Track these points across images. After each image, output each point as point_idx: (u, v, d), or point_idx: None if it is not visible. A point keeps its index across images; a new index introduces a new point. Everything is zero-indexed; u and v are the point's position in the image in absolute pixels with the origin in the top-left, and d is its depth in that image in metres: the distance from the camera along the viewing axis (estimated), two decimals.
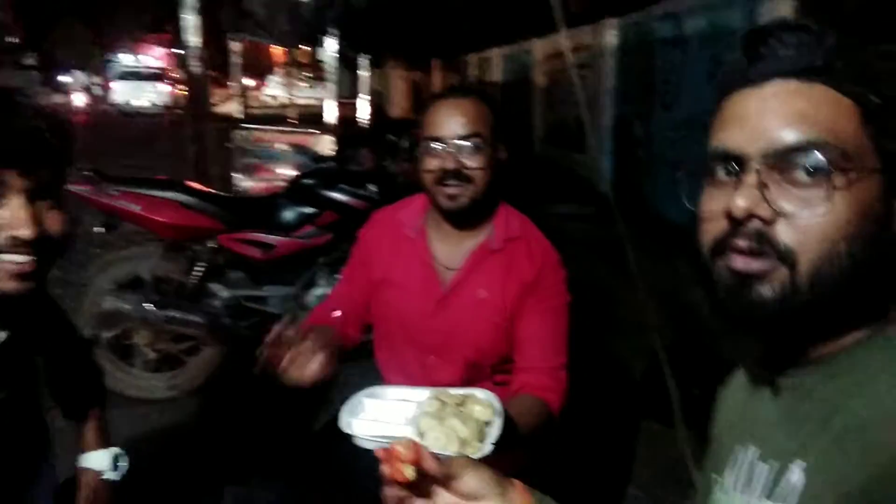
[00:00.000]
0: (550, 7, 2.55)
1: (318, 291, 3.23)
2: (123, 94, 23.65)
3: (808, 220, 0.64)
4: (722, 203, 0.69)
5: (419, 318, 1.59)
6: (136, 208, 2.97)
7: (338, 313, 1.60)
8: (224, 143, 5.38)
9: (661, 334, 3.16)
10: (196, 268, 3.12)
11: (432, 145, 1.49)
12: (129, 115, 21.35)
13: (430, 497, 0.74)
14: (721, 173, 0.70)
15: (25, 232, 0.96)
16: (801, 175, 0.65)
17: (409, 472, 0.71)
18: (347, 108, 8.61)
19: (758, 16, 5.17)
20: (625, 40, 7.95)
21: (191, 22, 4.92)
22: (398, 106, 20.66)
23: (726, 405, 0.89)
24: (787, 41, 0.68)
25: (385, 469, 0.72)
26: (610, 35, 8.12)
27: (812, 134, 0.65)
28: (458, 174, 1.48)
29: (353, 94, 10.52)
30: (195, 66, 4.86)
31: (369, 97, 7.76)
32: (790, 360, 0.73)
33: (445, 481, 0.74)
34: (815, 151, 0.64)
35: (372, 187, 3.18)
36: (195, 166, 5.08)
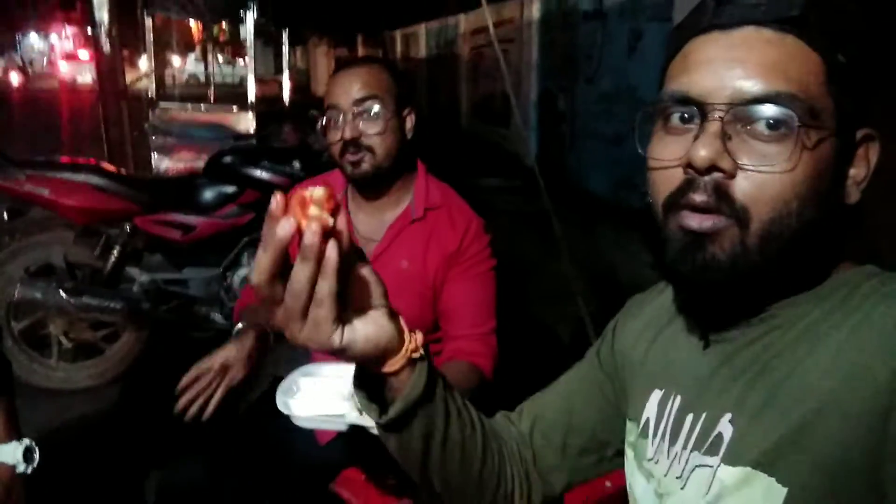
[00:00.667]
0: None
1: (243, 272, 3.17)
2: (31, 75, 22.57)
3: (766, 176, 0.62)
4: (677, 151, 0.65)
5: None
6: (45, 192, 2.83)
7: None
8: (140, 123, 5.19)
9: (586, 300, 3.25)
10: (112, 252, 3.01)
11: (330, 114, 1.49)
12: (37, 95, 20.38)
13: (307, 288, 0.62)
14: (676, 119, 0.67)
15: None
16: (764, 128, 0.62)
17: (316, 213, 0.60)
18: (268, 85, 8.43)
19: None
20: (547, 15, 8.01)
21: None
22: (321, 83, 20.31)
23: (631, 340, 0.87)
24: None
25: (278, 207, 0.61)
26: (533, 9, 8.17)
27: (782, 86, 0.61)
28: (356, 143, 1.47)
29: (275, 72, 10.30)
30: (106, 43, 4.65)
31: (291, 75, 7.59)
32: (731, 317, 0.71)
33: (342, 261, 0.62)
34: (784, 104, 0.61)
35: (296, 164, 3.13)
36: (109, 147, 4.88)
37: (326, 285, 0.62)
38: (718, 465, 0.66)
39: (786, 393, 0.62)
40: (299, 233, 0.60)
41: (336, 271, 0.62)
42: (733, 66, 0.63)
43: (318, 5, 15.05)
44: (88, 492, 1.29)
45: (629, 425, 0.84)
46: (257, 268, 0.62)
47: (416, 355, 0.72)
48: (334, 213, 0.62)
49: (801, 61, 0.63)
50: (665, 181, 0.67)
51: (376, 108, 1.47)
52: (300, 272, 0.61)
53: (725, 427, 0.66)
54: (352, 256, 0.66)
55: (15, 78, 24.68)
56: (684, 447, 0.72)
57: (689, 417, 0.72)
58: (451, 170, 1.65)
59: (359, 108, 1.46)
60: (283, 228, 0.60)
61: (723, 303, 0.71)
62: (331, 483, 1.54)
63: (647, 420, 0.79)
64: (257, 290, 0.63)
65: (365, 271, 0.69)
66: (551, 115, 7.89)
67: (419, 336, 0.73)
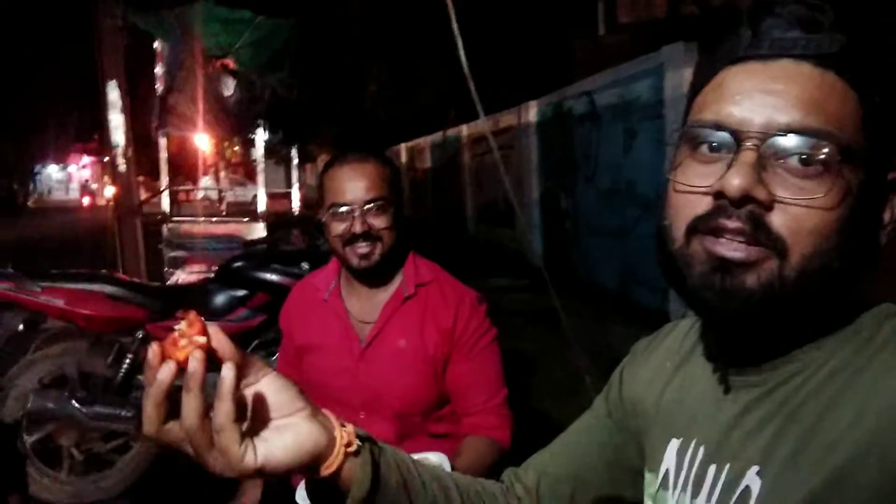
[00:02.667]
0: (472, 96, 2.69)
1: None
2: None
3: (805, 210, 0.59)
4: (707, 179, 0.62)
5: (343, 377, 1.59)
6: (59, 302, 2.90)
7: None
8: (155, 239, 5.34)
9: (597, 390, 3.22)
10: (124, 361, 3.04)
11: (335, 209, 1.53)
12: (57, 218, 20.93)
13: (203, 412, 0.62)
14: (706, 148, 0.64)
15: None
16: (799, 163, 0.60)
17: (188, 350, 0.60)
18: (279, 200, 8.70)
19: (658, 85, 5.51)
20: (545, 120, 8.33)
21: (117, 122, 4.96)
22: None
23: (641, 387, 0.84)
24: (801, 18, 0.62)
25: (154, 356, 0.62)
26: (529, 115, 8.50)
27: (820, 122, 0.60)
28: (367, 235, 1.52)
29: (284, 187, 10.63)
30: (122, 164, 4.87)
31: (301, 188, 7.86)
32: (753, 359, 0.67)
33: (239, 378, 0.63)
34: (822, 140, 0.59)
35: (304, 265, 3.19)
36: (124, 263, 5.00)
37: (221, 408, 0.61)
38: None
39: (816, 443, 0.58)
40: (181, 370, 0.61)
41: (201, 387, 0.61)
42: (771, 98, 0.61)
43: (326, 125, 15.70)
44: None
45: (648, 477, 0.80)
46: (146, 420, 0.62)
47: (351, 449, 0.68)
48: (205, 333, 0.62)
49: (840, 99, 0.61)
50: (691, 204, 0.64)
51: (383, 203, 1.53)
52: (188, 405, 0.61)
53: (753, 480, 0.62)
54: (245, 369, 0.65)
55: (32, 203, 25.53)
56: (707, 500, 0.67)
57: (713, 469, 0.67)
58: (459, 272, 1.71)
59: (369, 206, 1.52)
60: (163, 373, 0.61)
61: (745, 342, 0.67)
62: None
63: (667, 471, 0.75)
64: (155, 440, 0.63)
65: (268, 379, 0.67)
66: (554, 214, 8.05)
67: (350, 429, 0.69)
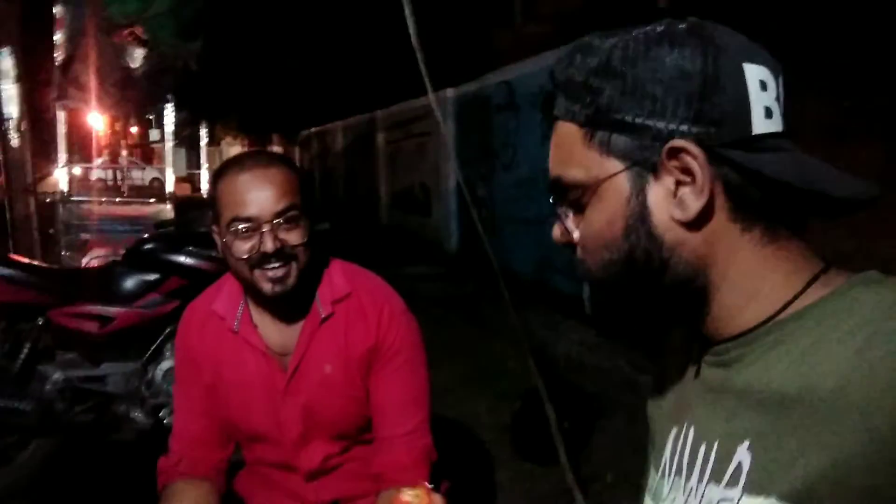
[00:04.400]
0: (390, 80, 2.62)
1: (166, 365, 3.00)
2: None
3: (582, 239, 0.72)
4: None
5: (270, 415, 1.43)
6: None
7: (182, 462, 1.45)
8: (50, 222, 4.98)
9: (519, 378, 3.22)
10: (22, 349, 2.81)
11: (237, 226, 1.28)
12: None
13: None
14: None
15: None
16: (569, 207, 0.72)
17: None
18: (185, 182, 8.36)
19: None
20: (463, 108, 8.31)
21: (11, 92, 4.58)
22: None
23: (658, 386, 0.85)
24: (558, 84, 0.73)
25: None
26: (447, 103, 8.47)
27: (554, 173, 0.72)
28: (280, 253, 1.29)
29: (190, 170, 10.24)
30: (14, 137, 4.50)
31: (208, 171, 7.54)
32: (708, 338, 0.71)
33: None
34: (557, 190, 0.72)
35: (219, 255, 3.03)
36: (15, 246, 4.64)
37: None
38: (741, 497, 0.62)
39: (803, 418, 0.59)
40: None
41: None
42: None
43: (235, 105, 15.17)
44: None
45: (651, 474, 0.81)
46: None
47: None
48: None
49: (564, 138, 0.71)
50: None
51: (296, 215, 1.32)
52: None
53: (744, 455, 0.63)
54: None
55: None
56: (699, 480, 0.68)
57: (703, 447, 0.69)
58: (373, 260, 1.57)
59: (279, 219, 1.29)
60: None
61: (696, 319, 0.71)
62: None
63: (664, 460, 0.76)
64: None
65: None
66: (471, 202, 8.07)
67: None
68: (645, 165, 0.66)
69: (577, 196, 0.70)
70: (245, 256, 1.28)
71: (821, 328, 0.61)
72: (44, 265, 3.11)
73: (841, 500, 0.55)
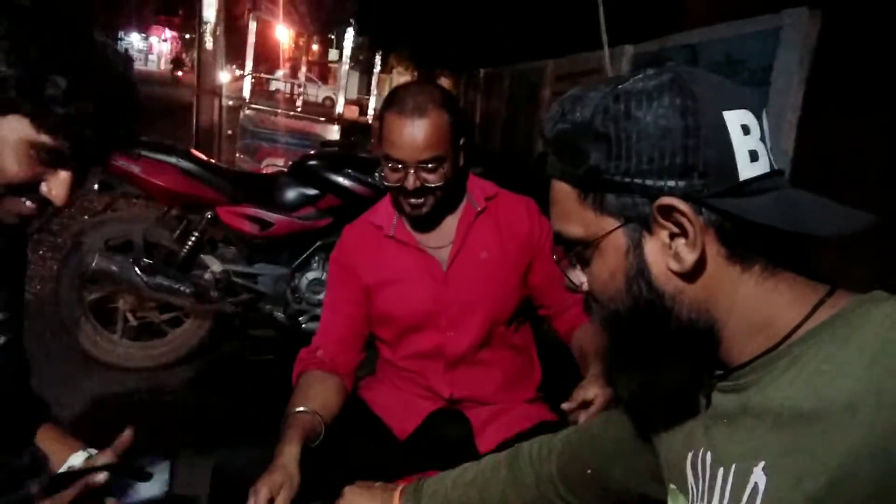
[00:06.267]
0: (566, 29, 2.54)
1: (312, 275, 3.17)
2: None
3: (592, 289, 0.75)
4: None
5: (427, 303, 1.57)
6: (135, 169, 2.90)
7: (321, 352, 1.58)
8: (230, 124, 5.33)
9: None
10: (190, 238, 3.06)
11: (391, 163, 1.47)
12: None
13: None
14: None
15: (60, 204, 0.94)
16: (574, 261, 0.76)
17: None
18: (355, 105, 8.63)
19: (771, 49, 5.18)
20: (641, 67, 7.98)
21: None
22: None
23: (661, 409, 0.86)
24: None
25: None
26: (624, 62, 8.14)
27: (558, 227, 0.75)
28: (420, 190, 1.48)
29: (361, 94, 10.55)
30: (209, 41, 4.81)
31: (378, 97, 7.74)
32: (723, 366, 0.72)
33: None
34: (564, 245, 0.75)
35: (378, 175, 3.13)
36: (198, 142, 5.02)
37: None
38: None
39: (814, 436, 0.60)
40: None
41: None
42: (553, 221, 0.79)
43: (410, 37, 15.40)
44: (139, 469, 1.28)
45: (671, 489, 0.83)
46: None
47: None
48: None
49: (563, 199, 0.74)
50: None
51: (441, 161, 1.47)
52: None
53: (759, 477, 0.64)
54: None
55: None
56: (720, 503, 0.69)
57: (721, 472, 0.70)
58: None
59: (423, 164, 1.46)
60: None
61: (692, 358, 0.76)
62: None
63: (690, 486, 0.77)
64: None
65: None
66: None
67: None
68: (639, 221, 0.68)
69: (581, 250, 0.73)
70: (392, 185, 1.49)
71: (830, 347, 0.62)
72: (220, 164, 3.34)
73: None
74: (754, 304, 0.68)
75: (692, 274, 0.67)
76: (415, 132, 1.43)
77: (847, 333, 0.62)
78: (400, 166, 1.46)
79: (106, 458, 1.15)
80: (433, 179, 1.47)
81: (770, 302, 0.67)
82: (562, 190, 0.73)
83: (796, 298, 0.67)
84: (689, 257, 0.66)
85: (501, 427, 1.58)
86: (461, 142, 1.53)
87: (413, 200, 1.49)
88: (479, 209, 1.59)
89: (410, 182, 1.46)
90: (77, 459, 1.19)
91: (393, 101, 1.48)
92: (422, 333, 1.60)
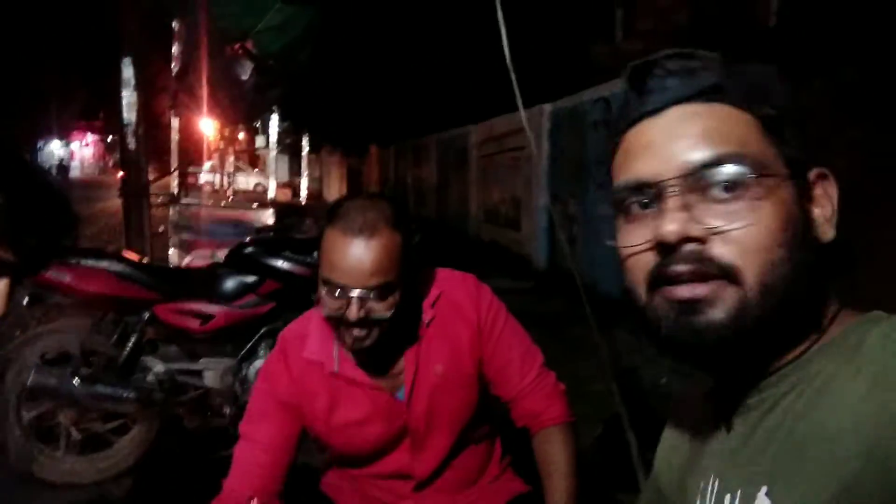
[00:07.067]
0: (485, 96, 2.66)
1: (258, 363, 3.12)
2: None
3: (740, 232, 0.62)
4: (646, 235, 0.66)
5: (393, 434, 1.48)
6: (66, 278, 2.84)
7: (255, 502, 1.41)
8: (159, 221, 5.28)
9: (607, 399, 3.16)
10: (129, 341, 2.99)
11: (331, 288, 1.29)
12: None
13: None
14: (635, 208, 0.68)
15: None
16: (720, 190, 0.64)
17: None
18: (286, 188, 8.66)
19: None
20: (559, 123, 8.27)
21: (130, 99, 4.90)
22: (333, 190, 20.84)
23: (673, 448, 0.86)
24: (674, 69, 0.68)
25: None
26: (543, 120, 8.44)
27: (725, 148, 0.64)
28: (364, 321, 1.29)
29: (292, 177, 10.61)
30: (132, 142, 4.81)
31: (308, 179, 7.80)
32: (743, 382, 0.70)
33: None
34: (731, 164, 0.63)
35: (316, 254, 3.13)
36: (128, 243, 4.94)
37: None
38: None
39: (817, 455, 0.60)
40: None
41: None
42: (674, 142, 0.66)
43: (333, 119, 15.64)
44: None
45: None
46: None
47: None
48: None
49: (735, 122, 0.65)
50: (640, 264, 0.67)
51: (389, 289, 1.30)
52: None
53: (763, 502, 0.63)
54: None
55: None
56: None
57: (727, 498, 0.69)
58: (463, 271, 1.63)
59: (369, 294, 1.28)
60: None
61: (731, 369, 0.70)
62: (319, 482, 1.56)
63: None
64: None
65: None
66: (562, 219, 8.00)
67: None
68: (803, 179, 0.67)
69: (743, 183, 0.63)
70: (330, 314, 1.30)
71: (832, 367, 0.63)
72: (153, 263, 3.29)
73: None
74: (809, 310, 0.67)
75: (817, 251, 0.66)
76: (363, 256, 1.25)
77: (847, 356, 0.62)
78: (341, 292, 1.27)
79: None
80: (380, 310, 1.29)
81: (814, 312, 0.67)
82: (736, 116, 0.66)
83: (822, 311, 0.67)
84: (830, 232, 0.66)
85: None
86: (409, 271, 1.35)
87: (356, 332, 1.30)
88: (427, 322, 1.45)
89: (353, 313, 1.26)
90: None
91: (337, 217, 1.31)
92: (381, 461, 1.52)
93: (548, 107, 8.45)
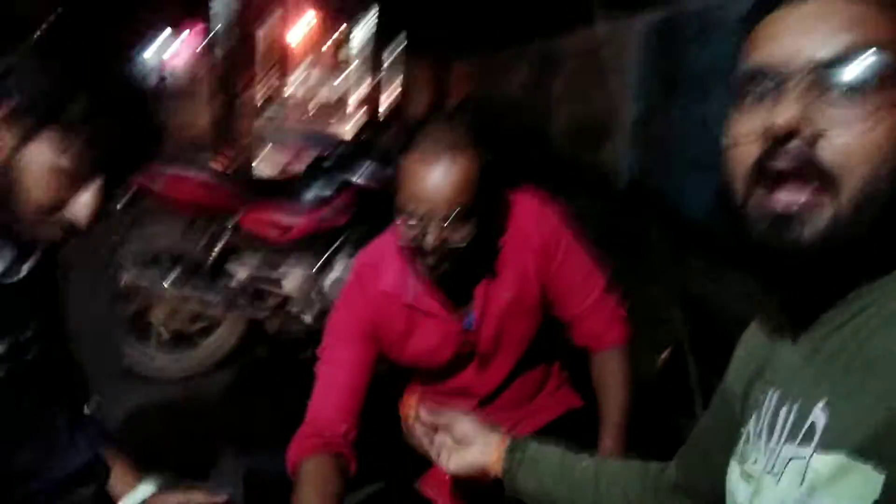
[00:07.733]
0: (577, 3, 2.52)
1: (335, 275, 3.21)
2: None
3: (852, 138, 0.59)
4: (755, 124, 0.63)
5: (461, 359, 1.52)
6: (157, 185, 2.96)
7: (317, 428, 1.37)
8: (246, 129, 5.39)
9: (676, 328, 3.12)
10: (215, 247, 3.12)
11: (409, 218, 1.25)
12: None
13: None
14: (751, 99, 0.65)
15: (83, 225, 0.96)
16: (845, 89, 0.59)
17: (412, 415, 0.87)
18: (372, 98, 8.66)
19: None
20: (650, 38, 7.87)
21: (217, 7, 4.93)
22: (416, 101, 20.71)
23: (746, 357, 0.85)
24: None
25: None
26: (635, 33, 8.05)
27: (862, 41, 0.59)
28: (440, 249, 1.26)
29: (378, 87, 10.58)
30: (223, 50, 4.87)
31: (395, 90, 7.77)
32: (816, 300, 0.68)
33: (443, 429, 1.09)
34: (868, 56, 0.58)
35: (393, 169, 3.15)
36: (215, 149, 5.09)
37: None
38: (812, 455, 0.62)
39: (881, 375, 0.58)
40: None
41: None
42: (809, 32, 0.62)
43: (420, 28, 15.36)
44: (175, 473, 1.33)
45: (738, 444, 0.80)
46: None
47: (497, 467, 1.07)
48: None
49: (881, 15, 0.60)
50: (743, 157, 0.65)
51: (466, 214, 1.25)
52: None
53: (819, 415, 0.63)
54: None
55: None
56: (778, 441, 0.68)
57: (784, 410, 0.68)
58: (542, 188, 1.58)
59: (445, 221, 1.24)
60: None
61: (810, 285, 0.67)
62: (416, 480, 1.54)
63: (750, 425, 0.75)
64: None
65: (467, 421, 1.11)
66: (649, 138, 7.74)
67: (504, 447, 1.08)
68: None
69: (867, 86, 0.59)
70: (408, 243, 1.28)
71: None
72: (238, 173, 3.39)
73: None
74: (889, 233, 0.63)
75: None
76: (438, 184, 1.21)
77: None
78: (419, 221, 1.24)
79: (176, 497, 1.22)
80: (456, 238, 1.26)
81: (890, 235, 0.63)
82: (885, 15, 0.61)
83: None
84: None
85: (530, 424, 1.59)
86: (488, 197, 1.31)
87: (430, 258, 1.27)
88: (497, 251, 1.44)
89: (430, 240, 1.24)
90: (146, 489, 1.24)
91: (414, 143, 1.26)
92: (453, 378, 1.56)
93: (640, 18, 8.03)
